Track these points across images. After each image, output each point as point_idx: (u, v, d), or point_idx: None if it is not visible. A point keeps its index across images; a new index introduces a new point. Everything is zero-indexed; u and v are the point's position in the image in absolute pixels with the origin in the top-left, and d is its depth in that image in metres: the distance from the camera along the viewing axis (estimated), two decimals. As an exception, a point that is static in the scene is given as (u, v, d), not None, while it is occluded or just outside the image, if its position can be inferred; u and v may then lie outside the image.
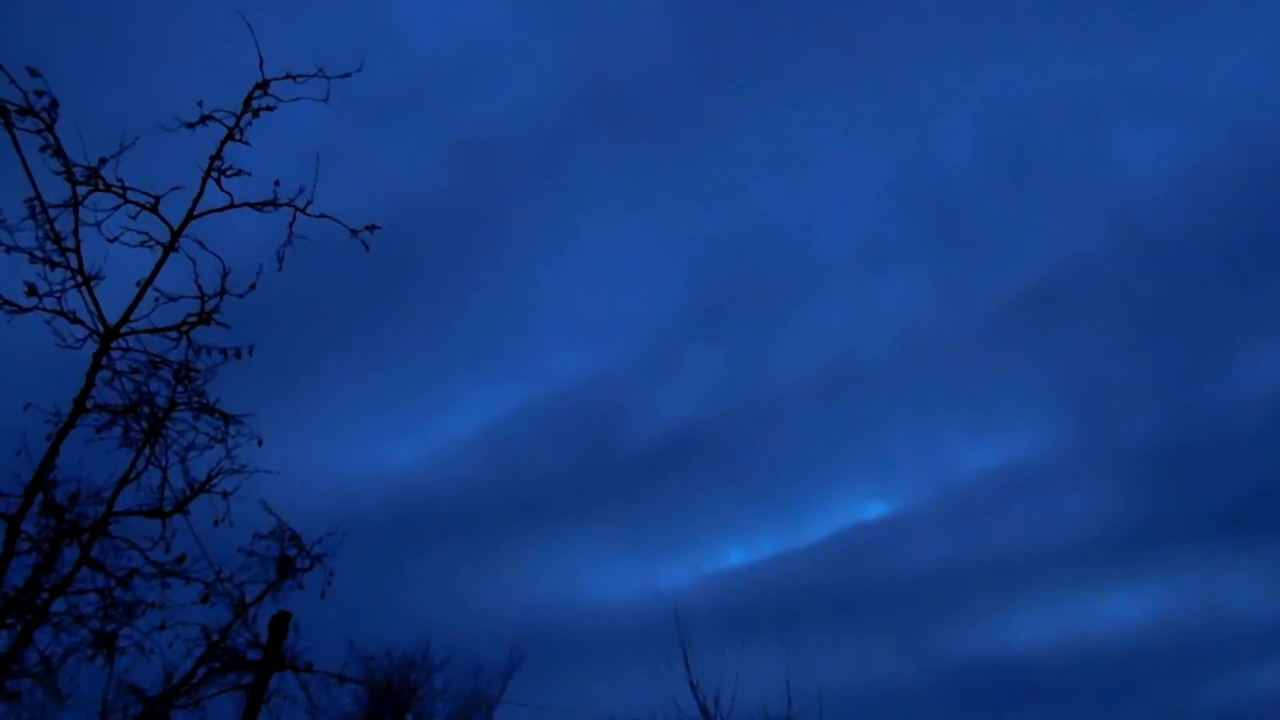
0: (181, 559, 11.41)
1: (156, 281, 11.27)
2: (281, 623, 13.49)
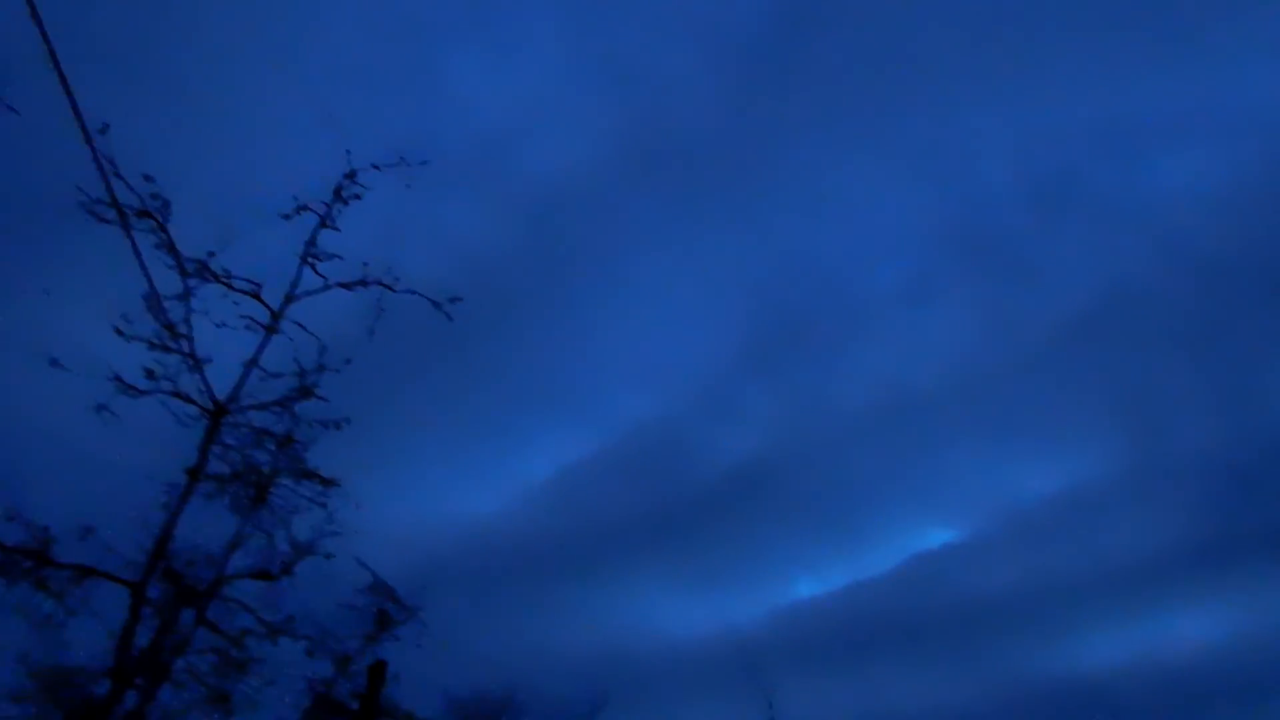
0: (290, 619, 11.76)
1: (260, 360, 11.77)
2: (379, 671, 13.71)
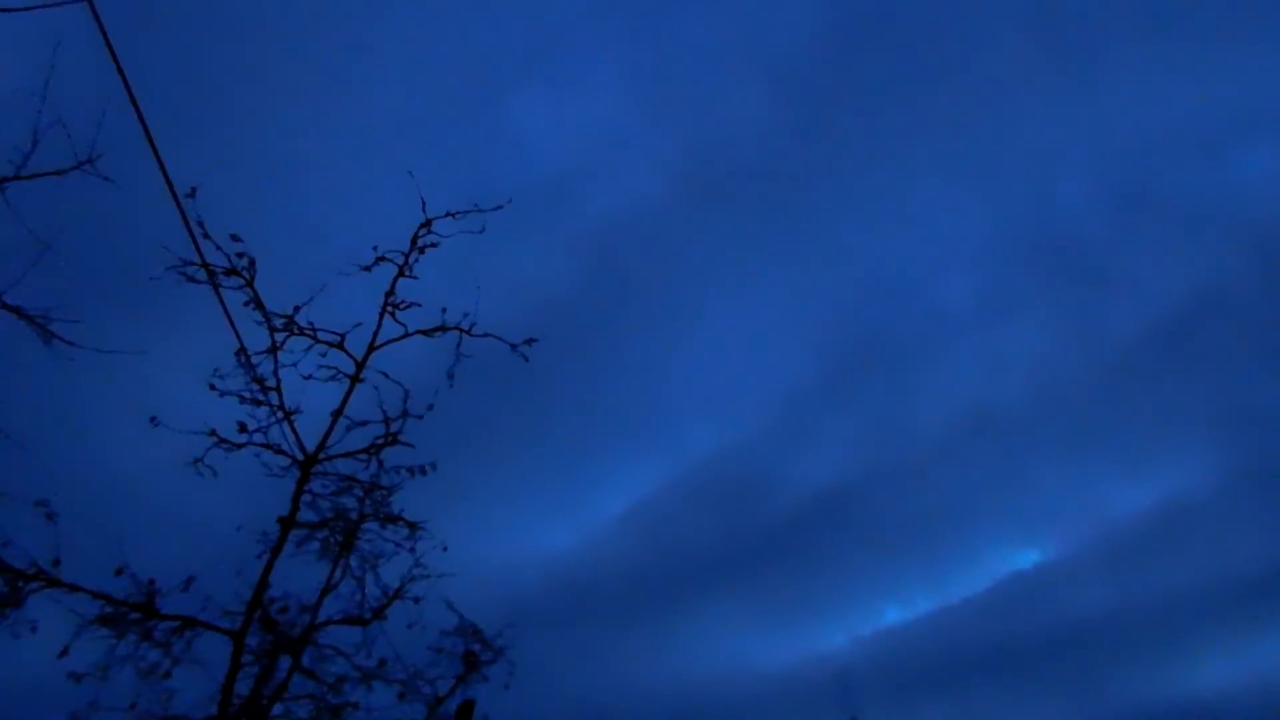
0: (383, 664, 11.88)
1: (346, 409, 12.01)
2: (467, 711, 13.76)
